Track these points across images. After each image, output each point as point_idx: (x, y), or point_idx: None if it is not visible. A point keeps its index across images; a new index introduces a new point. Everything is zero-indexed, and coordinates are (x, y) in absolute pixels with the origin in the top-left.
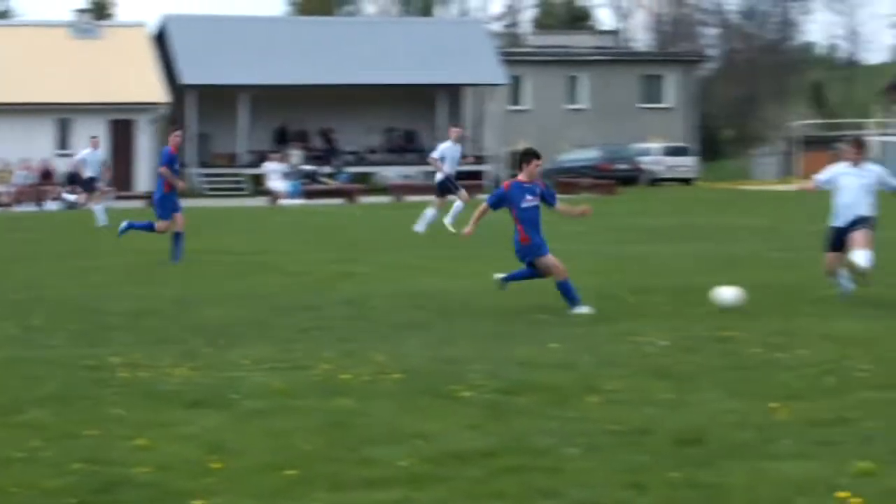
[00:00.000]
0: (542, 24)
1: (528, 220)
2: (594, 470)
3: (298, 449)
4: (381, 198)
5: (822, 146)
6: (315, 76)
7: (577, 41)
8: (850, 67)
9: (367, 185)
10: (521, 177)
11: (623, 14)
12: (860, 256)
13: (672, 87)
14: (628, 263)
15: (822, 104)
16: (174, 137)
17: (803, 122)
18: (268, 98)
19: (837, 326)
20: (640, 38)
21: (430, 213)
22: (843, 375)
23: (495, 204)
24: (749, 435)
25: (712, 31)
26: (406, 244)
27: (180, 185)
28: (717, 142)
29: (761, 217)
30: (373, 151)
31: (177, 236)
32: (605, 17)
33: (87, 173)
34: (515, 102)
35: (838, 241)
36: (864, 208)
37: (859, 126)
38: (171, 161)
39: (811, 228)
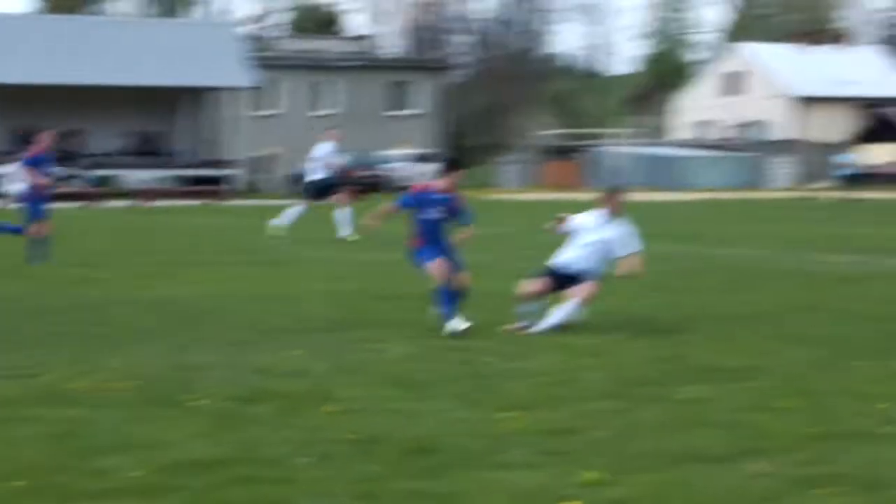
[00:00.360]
0: (293, 29)
1: (425, 232)
2: (326, 479)
3: (27, 459)
4: (123, 201)
5: (566, 156)
6: (58, 76)
7: (328, 46)
8: (595, 78)
9: (110, 188)
10: (439, 184)
11: (375, 20)
12: (565, 308)
13: (421, 94)
14: (368, 270)
15: (566, 114)
16: (46, 136)
17: (548, 132)
18: (9, 98)
19: (571, 337)
20: (392, 44)
21: (338, 215)
22: (574, 385)
23: (405, 206)
24: (481, 444)
25: (462, 39)
26: (148, 250)
27: (42, 182)
28: (465, 149)
29: (505, 225)
30: (116, 154)
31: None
32: (356, 23)
33: None
34: (264, 107)
35: (548, 275)
36: (588, 264)
37: (602, 136)
38: (33, 162)
39: (553, 238)
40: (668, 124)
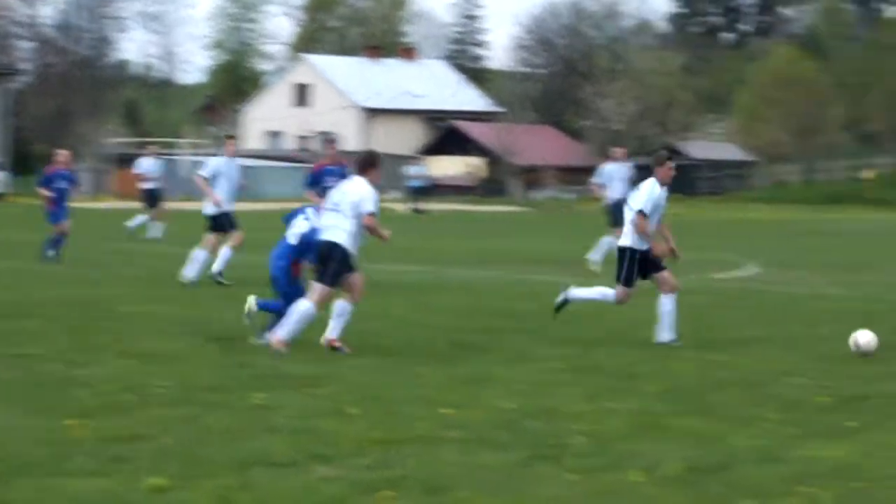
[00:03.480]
0: None
1: None
2: None
3: None
4: None
5: (134, 164)
6: None
7: None
8: (165, 87)
9: None
10: None
11: None
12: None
13: None
14: None
15: (136, 122)
16: None
17: (117, 140)
18: None
19: (139, 344)
20: None
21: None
22: (142, 392)
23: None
24: (43, 452)
25: (26, 44)
26: None
27: None
28: (30, 157)
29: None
30: None
31: None
32: None
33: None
34: None
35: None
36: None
37: (173, 145)
38: None
39: (110, 247)
40: (240, 134)
